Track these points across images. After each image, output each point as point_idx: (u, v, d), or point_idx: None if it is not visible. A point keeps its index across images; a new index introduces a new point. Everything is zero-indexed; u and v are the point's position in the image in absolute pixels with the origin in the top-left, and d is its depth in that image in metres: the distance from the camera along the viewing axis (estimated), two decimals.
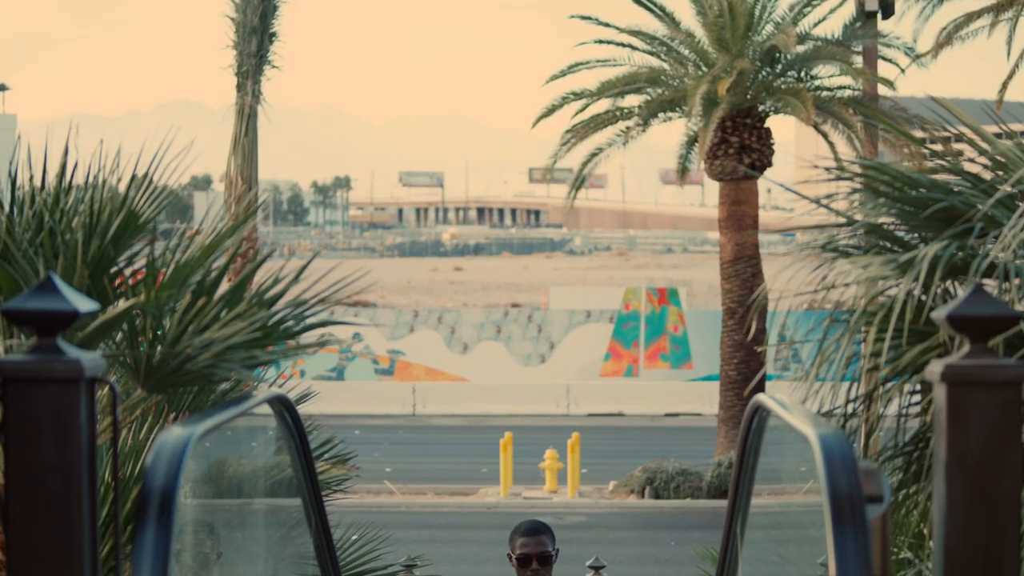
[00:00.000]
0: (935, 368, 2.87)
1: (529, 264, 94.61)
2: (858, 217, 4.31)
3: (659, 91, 22.38)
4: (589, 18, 22.45)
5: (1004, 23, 22.99)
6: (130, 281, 4.38)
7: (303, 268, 4.56)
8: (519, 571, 6.18)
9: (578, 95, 22.55)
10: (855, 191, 4.33)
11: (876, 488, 3.08)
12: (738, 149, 21.77)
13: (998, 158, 4.33)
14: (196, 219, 4.75)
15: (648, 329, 32.87)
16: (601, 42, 22.68)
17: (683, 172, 23.69)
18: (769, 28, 21.98)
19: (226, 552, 4.15)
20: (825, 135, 22.39)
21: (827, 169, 4.35)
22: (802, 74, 22.16)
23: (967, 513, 2.79)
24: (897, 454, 4.29)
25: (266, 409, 4.30)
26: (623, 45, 22.58)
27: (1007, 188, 4.15)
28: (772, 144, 22.12)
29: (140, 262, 4.47)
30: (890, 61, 22.42)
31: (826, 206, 4.36)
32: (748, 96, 21.83)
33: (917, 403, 4.28)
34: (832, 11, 22.53)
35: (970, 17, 23.14)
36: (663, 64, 22.50)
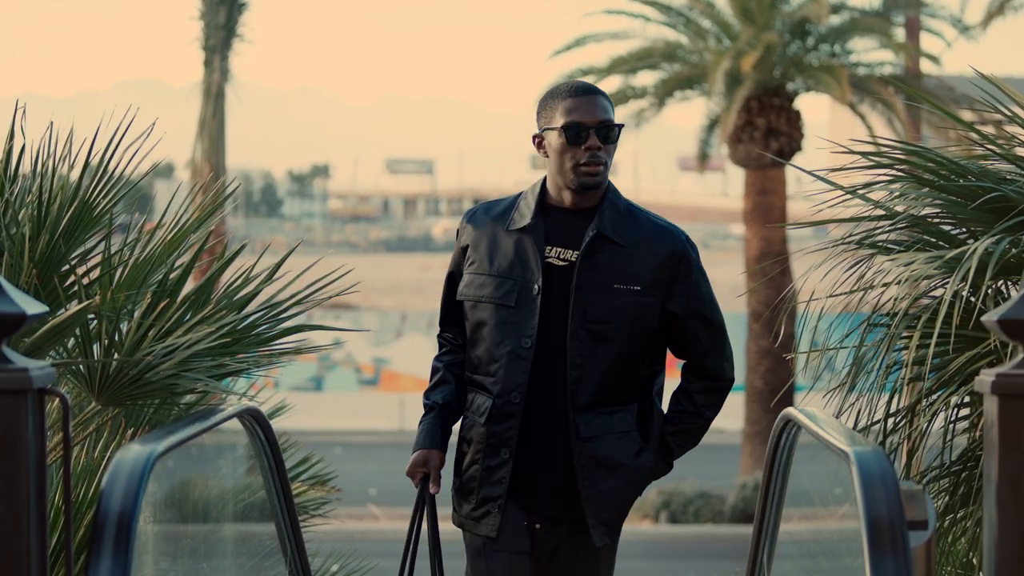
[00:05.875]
0: (986, 378, 2.86)
1: None
2: (899, 209, 4.31)
3: (676, 67, 22.38)
4: None
5: None
6: (83, 281, 4.38)
7: (277, 266, 4.56)
8: (562, 153, 4.45)
9: (586, 72, 22.55)
10: (896, 179, 4.33)
11: (919, 512, 3.08)
12: (764, 133, 21.77)
13: None
14: (157, 211, 4.75)
15: None
16: (611, 12, 22.68)
17: (703, 158, 23.70)
18: None
19: None
20: (862, 117, 22.39)
21: (864, 155, 4.35)
22: (836, 48, 22.16)
23: (1021, 540, 2.79)
24: (943, 474, 4.29)
25: (236, 424, 4.30)
26: (636, 16, 22.58)
27: None
28: (802, 127, 22.12)
29: (95, 259, 4.47)
30: (935, 34, 22.43)
31: (863, 196, 4.36)
32: (776, 73, 21.83)
33: (965, 417, 4.28)
34: None
35: None
36: (680, 37, 22.50)
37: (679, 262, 4.54)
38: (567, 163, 4.45)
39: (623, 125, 4.51)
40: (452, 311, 4.70)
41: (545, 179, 4.59)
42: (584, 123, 4.42)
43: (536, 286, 4.45)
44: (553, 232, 4.51)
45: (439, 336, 4.77)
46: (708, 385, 4.60)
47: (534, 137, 4.58)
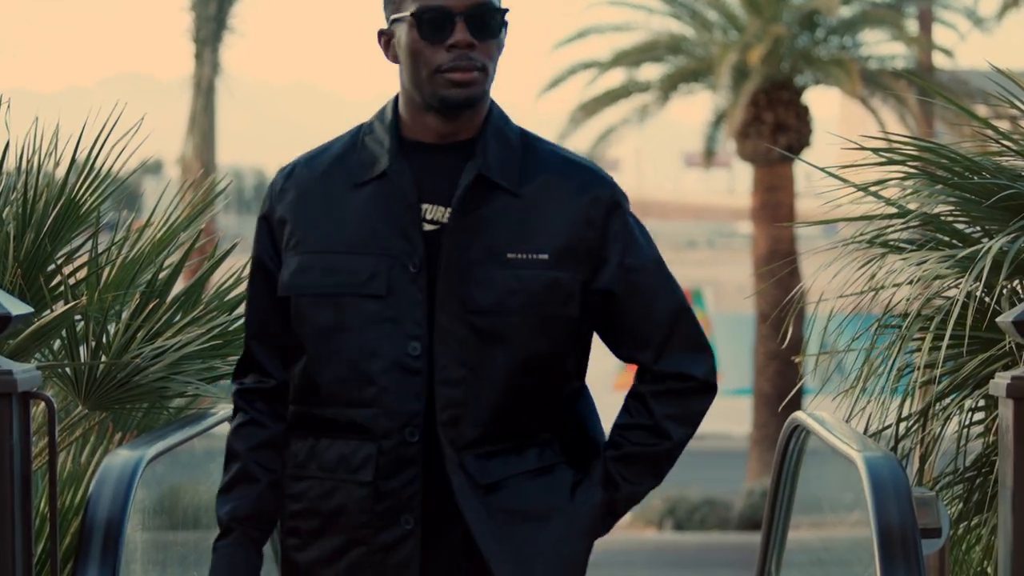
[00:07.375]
0: (1001, 381, 2.87)
1: None
2: (911, 207, 4.31)
3: (681, 60, 22.40)
4: None
5: None
6: (70, 281, 4.38)
7: None
8: (415, 55, 2.99)
9: (588, 65, 22.57)
10: (908, 176, 4.33)
11: (933, 520, 3.08)
12: (772, 128, 21.77)
13: None
14: (146, 209, 4.75)
15: None
16: (614, 4, 22.71)
17: (709, 154, 23.72)
18: None
19: None
20: (874, 111, 22.41)
21: (875, 151, 4.35)
22: (846, 41, 22.18)
23: None
24: (957, 480, 4.29)
25: (227, 429, 4.30)
26: (639, 7, 22.61)
27: None
28: (811, 122, 22.14)
29: (81, 259, 4.47)
30: (948, 26, 22.46)
31: (874, 194, 4.36)
32: (784, 66, 21.84)
33: (980, 421, 4.28)
34: None
35: None
36: (685, 29, 22.53)
37: (608, 212, 3.09)
38: (423, 70, 2.99)
39: (507, 11, 3.04)
40: (268, 323, 3.11)
41: (396, 101, 3.10)
42: (447, 7, 2.97)
43: (417, 259, 2.98)
44: (420, 180, 3.02)
45: (237, 387, 3.16)
46: (672, 386, 3.14)
47: (380, 33, 3.11)
